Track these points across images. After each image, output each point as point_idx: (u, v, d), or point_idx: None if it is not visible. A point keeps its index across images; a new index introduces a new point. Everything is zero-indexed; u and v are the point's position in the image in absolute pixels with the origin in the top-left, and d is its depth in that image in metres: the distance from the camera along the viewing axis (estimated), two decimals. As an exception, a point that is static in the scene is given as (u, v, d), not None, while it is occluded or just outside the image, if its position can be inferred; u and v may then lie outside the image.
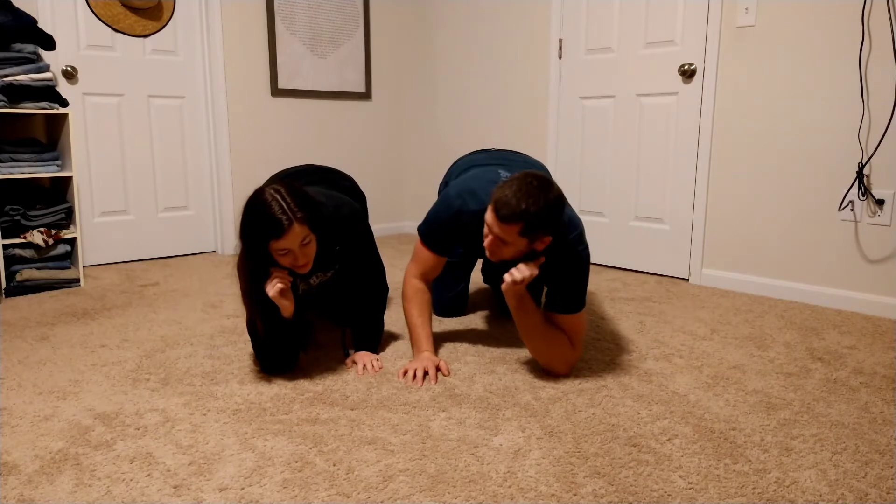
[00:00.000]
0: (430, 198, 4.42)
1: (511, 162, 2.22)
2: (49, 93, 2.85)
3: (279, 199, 1.65)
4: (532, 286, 2.04)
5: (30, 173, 2.83)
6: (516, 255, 1.73)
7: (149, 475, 1.37)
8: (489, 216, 1.67)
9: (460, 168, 2.28)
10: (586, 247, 1.84)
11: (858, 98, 2.55)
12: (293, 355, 1.91)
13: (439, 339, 2.23)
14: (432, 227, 1.98)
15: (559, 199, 1.65)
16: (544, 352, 1.86)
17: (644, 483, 1.34)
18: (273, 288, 1.72)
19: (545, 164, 2.79)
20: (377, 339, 2.07)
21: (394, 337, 2.26)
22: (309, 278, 1.94)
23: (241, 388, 1.81)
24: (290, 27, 3.87)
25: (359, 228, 1.96)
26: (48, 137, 3.17)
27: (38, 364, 2.01)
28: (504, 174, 1.95)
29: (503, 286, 1.76)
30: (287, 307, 1.78)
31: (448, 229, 1.95)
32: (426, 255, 2.00)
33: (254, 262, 1.72)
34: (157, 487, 1.32)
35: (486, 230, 1.73)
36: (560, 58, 3.54)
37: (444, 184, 2.41)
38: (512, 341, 2.23)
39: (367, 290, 2.04)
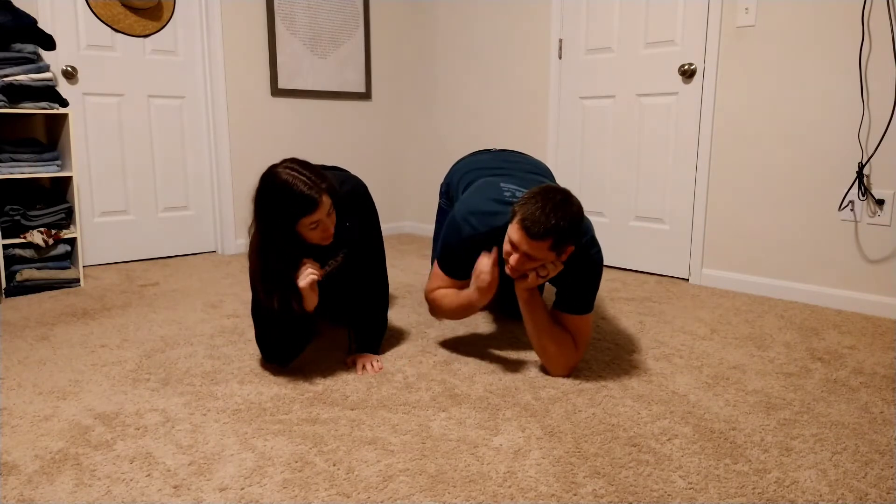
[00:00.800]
0: (431, 198, 4.42)
1: (513, 165, 2.21)
2: (49, 93, 2.85)
3: (299, 175, 1.65)
4: None
5: (30, 173, 2.83)
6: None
7: (149, 475, 1.37)
8: (516, 235, 1.67)
9: (461, 171, 2.27)
10: (599, 249, 1.85)
11: (858, 98, 2.55)
12: (300, 347, 1.91)
13: (440, 340, 2.23)
14: (448, 255, 1.96)
15: (580, 209, 1.68)
16: (548, 348, 1.87)
17: (644, 483, 1.34)
18: (305, 279, 1.73)
19: (546, 164, 2.78)
20: (379, 339, 2.06)
21: (394, 337, 2.26)
22: (324, 264, 1.92)
23: (241, 388, 1.81)
24: (290, 27, 3.87)
25: (364, 202, 1.95)
26: (48, 137, 3.17)
27: (38, 364, 2.01)
28: (507, 186, 1.94)
29: (522, 283, 1.77)
30: (313, 300, 1.78)
31: (464, 255, 1.91)
32: (447, 280, 1.97)
33: (281, 243, 1.71)
34: (157, 487, 1.32)
35: (507, 248, 1.72)
36: (560, 58, 3.54)
37: (446, 185, 2.41)
38: (512, 341, 2.23)
39: (371, 281, 2.01)
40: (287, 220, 1.67)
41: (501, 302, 2.62)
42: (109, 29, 3.36)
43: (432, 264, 2.08)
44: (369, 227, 1.98)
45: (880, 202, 2.53)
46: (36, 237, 2.84)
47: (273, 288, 1.76)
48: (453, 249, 1.93)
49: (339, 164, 4.18)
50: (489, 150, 2.48)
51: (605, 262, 3.50)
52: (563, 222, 1.62)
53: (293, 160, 1.71)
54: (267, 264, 1.74)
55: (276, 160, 1.76)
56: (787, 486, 1.32)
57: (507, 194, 1.91)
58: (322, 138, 4.13)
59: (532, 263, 1.70)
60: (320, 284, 1.83)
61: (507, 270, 1.76)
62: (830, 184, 2.66)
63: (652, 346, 2.18)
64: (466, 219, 1.90)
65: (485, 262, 1.78)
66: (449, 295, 1.95)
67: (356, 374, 1.91)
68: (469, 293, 1.87)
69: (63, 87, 3.24)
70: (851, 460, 1.43)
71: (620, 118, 3.33)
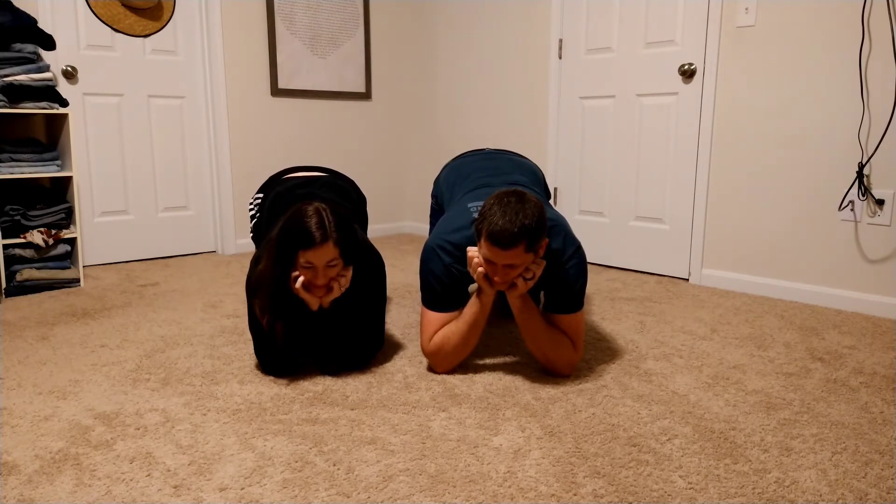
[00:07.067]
0: (430, 198, 4.41)
1: (495, 172, 2.19)
2: (49, 93, 2.85)
3: (322, 214, 1.70)
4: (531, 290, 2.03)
5: (30, 173, 2.83)
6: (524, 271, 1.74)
7: (149, 475, 1.37)
8: (489, 252, 1.66)
9: (447, 180, 2.29)
10: (577, 245, 1.86)
11: (858, 98, 2.55)
12: (296, 361, 1.92)
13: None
14: (432, 291, 1.91)
15: (538, 203, 1.68)
16: (547, 353, 1.87)
17: (644, 483, 1.34)
18: (299, 280, 1.74)
19: (537, 164, 2.78)
20: (343, 361, 1.96)
21: (394, 336, 2.26)
22: (310, 327, 1.91)
23: (241, 388, 1.81)
24: (290, 27, 3.87)
25: (377, 271, 1.95)
26: (48, 137, 3.17)
27: (38, 364, 2.01)
28: (473, 205, 1.92)
29: (514, 291, 1.76)
30: (312, 301, 1.78)
31: (447, 281, 1.88)
32: (441, 317, 1.90)
33: (280, 269, 1.75)
34: (157, 487, 1.32)
35: (487, 267, 1.71)
36: (560, 58, 3.54)
37: (435, 191, 2.42)
38: (512, 341, 2.23)
39: (362, 328, 1.94)
40: (288, 246, 1.71)
41: (499, 302, 2.62)
42: (109, 29, 3.36)
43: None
44: (375, 290, 1.94)
45: (880, 202, 2.53)
46: (36, 237, 2.84)
47: (278, 305, 1.78)
48: (433, 283, 1.89)
49: (339, 165, 4.20)
50: (480, 151, 2.47)
51: (605, 263, 3.50)
52: (527, 221, 1.61)
53: (333, 205, 1.76)
54: (270, 281, 1.77)
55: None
56: (787, 486, 1.33)
57: (475, 214, 1.88)
58: (322, 138, 4.13)
59: (515, 271, 1.70)
60: (310, 322, 1.85)
61: (495, 287, 1.75)
62: (830, 184, 2.66)
63: (652, 346, 2.18)
64: (436, 250, 1.88)
65: (473, 251, 1.75)
66: (450, 326, 1.88)
67: (353, 375, 1.91)
68: (471, 303, 1.85)
69: (63, 87, 3.24)
70: (851, 460, 1.43)
71: (620, 118, 3.33)
